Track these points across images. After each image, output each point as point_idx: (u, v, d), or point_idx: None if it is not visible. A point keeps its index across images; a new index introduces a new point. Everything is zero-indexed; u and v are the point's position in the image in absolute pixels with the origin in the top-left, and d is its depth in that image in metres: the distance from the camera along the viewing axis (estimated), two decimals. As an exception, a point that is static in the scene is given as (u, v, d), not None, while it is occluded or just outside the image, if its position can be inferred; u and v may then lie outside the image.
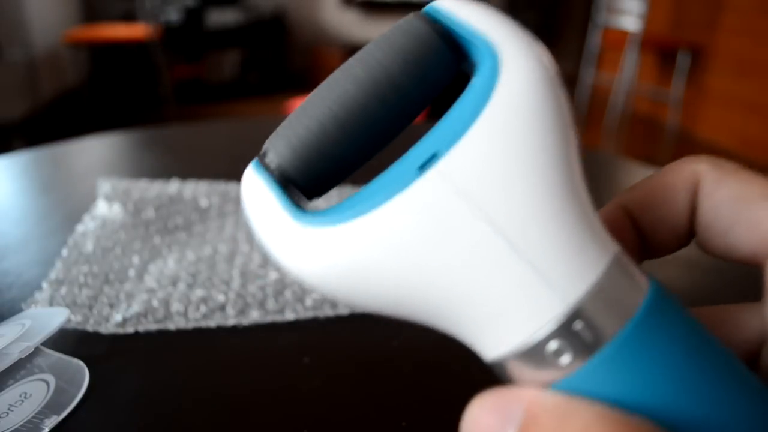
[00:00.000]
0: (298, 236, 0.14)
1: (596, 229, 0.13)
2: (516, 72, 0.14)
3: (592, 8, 2.87)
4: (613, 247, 0.13)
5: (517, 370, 0.13)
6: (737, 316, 0.16)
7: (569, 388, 0.12)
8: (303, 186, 0.16)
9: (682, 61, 2.67)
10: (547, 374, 0.13)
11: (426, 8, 0.16)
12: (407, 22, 0.16)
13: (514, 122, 0.14)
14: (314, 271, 0.14)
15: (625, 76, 2.62)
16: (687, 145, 2.71)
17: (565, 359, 0.12)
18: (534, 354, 0.13)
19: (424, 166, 0.14)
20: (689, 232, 0.16)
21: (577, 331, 0.12)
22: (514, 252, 0.13)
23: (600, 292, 0.13)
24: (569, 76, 3.68)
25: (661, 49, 2.86)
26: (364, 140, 0.16)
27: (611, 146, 2.67)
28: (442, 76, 0.16)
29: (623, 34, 2.60)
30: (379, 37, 0.16)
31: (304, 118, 0.15)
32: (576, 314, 0.12)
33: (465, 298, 0.13)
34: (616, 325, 0.12)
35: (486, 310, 0.13)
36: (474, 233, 0.13)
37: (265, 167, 0.15)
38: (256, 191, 0.15)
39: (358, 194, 0.14)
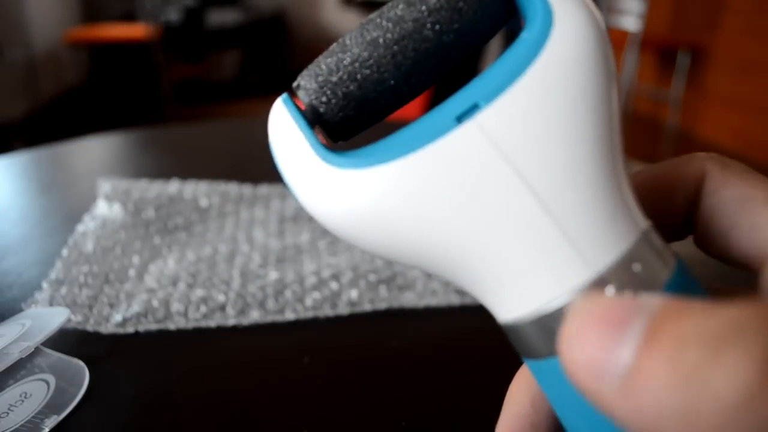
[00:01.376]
0: (326, 176, 0.14)
1: (629, 202, 0.13)
2: (569, 28, 0.13)
3: (592, 8, 2.86)
4: (644, 222, 0.13)
5: (532, 334, 0.13)
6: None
7: None
8: (332, 126, 0.15)
9: (682, 61, 2.67)
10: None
11: None
12: None
13: (562, 81, 0.13)
14: (339, 213, 0.14)
15: (625, 76, 2.62)
16: (687, 145, 2.71)
17: None
18: (551, 321, 0.12)
19: (462, 117, 0.13)
20: (685, 227, 0.16)
21: None
22: (545, 212, 0.12)
23: (627, 266, 0.12)
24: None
25: (661, 49, 2.86)
26: (400, 84, 0.15)
27: (611, 146, 2.67)
28: (488, 27, 0.15)
29: (623, 34, 2.60)
30: None
31: (342, 56, 0.15)
32: (600, 285, 0.12)
33: (489, 254, 0.13)
34: None
35: (508, 268, 0.13)
36: (506, 189, 0.13)
37: (295, 103, 0.15)
38: (284, 127, 0.14)
39: (390, 139, 0.14)
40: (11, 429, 0.26)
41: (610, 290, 0.12)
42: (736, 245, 0.14)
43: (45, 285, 0.37)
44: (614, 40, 2.85)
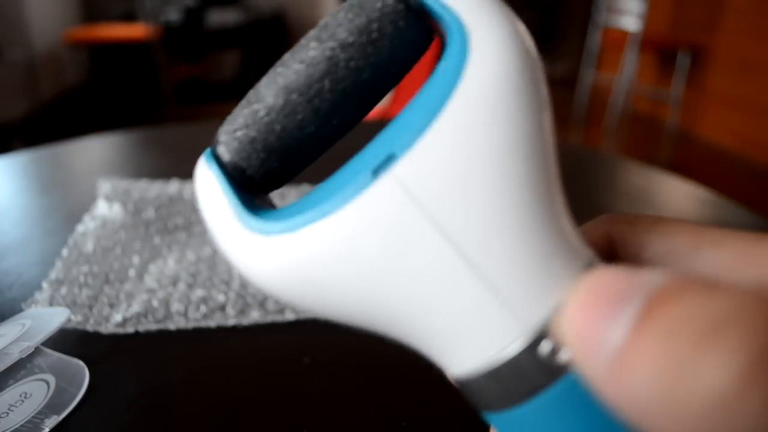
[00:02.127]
0: (248, 242, 0.13)
1: (567, 241, 0.12)
2: (486, 59, 0.12)
3: (592, 8, 2.88)
4: (586, 254, 0.12)
5: (487, 387, 0.12)
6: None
7: (530, 413, 0.11)
8: (257, 180, 0.14)
9: (682, 61, 2.67)
10: (509, 398, 0.12)
11: None
12: None
13: (481, 121, 0.12)
14: (265, 277, 0.13)
15: (625, 76, 2.62)
16: (687, 145, 2.71)
17: (527, 384, 0.11)
18: (503, 371, 0.12)
19: (379, 170, 0.12)
20: None
21: (541, 356, 0.11)
22: (470, 269, 0.12)
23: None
24: (569, 76, 3.68)
25: (661, 49, 2.86)
26: (322, 128, 0.14)
27: (611, 146, 2.67)
28: (410, 52, 0.14)
29: (623, 34, 2.60)
30: (339, 8, 0.14)
31: (258, 106, 0.14)
32: (539, 338, 0.11)
33: (422, 313, 0.12)
34: None
35: (443, 327, 0.12)
36: (429, 247, 0.12)
37: (217, 160, 0.14)
38: (207, 188, 0.14)
39: (311, 196, 0.13)
40: (11, 429, 0.26)
41: (543, 348, 0.11)
42: None
43: (45, 285, 0.37)
44: (614, 40, 2.87)
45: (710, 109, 2.73)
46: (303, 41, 0.14)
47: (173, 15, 3.20)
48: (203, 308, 0.35)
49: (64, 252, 0.40)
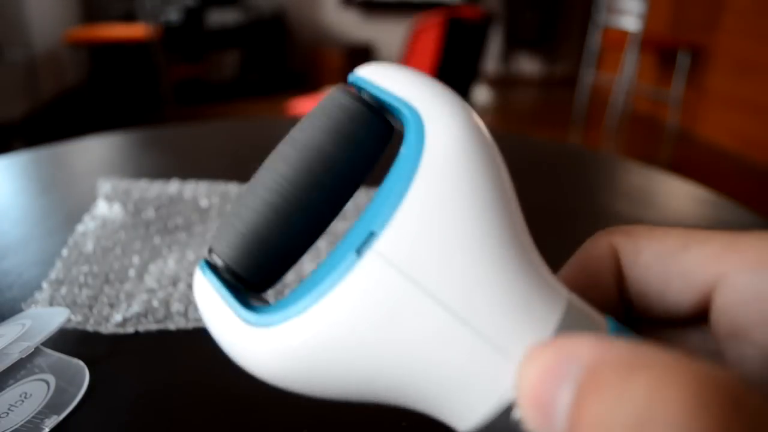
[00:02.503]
0: (250, 338, 0.14)
1: (545, 281, 0.13)
2: (440, 139, 0.14)
3: (592, 8, 2.88)
4: (564, 295, 0.13)
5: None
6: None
7: None
8: (252, 281, 0.16)
9: (682, 61, 2.67)
10: None
11: (350, 77, 0.16)
12: (333, 97, 0.16)
13: (444, 191, 0.13)
14: (269, 368, 0.14)
15: (625, 76, 2.62)
16: (687, 145, 2.71)
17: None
18: (503, 421, 0.12)
19: (362, 248, 0.13)
20: (622, 304, 0.16)
21: None
22: (461, 324, 0.13)
23: None
24: (569, 76, 3.68)
25: (661, 49, 2.86)
26: (306, 224, 0.16)
27: (611, 146, 2.67)
28: (376, 146, 0.16)
29: (623, 34, 2.60)
30: (307, 115, 0.16)
31: (243, 212, 0.16)
32: None
33: (425, 375, 0.13)
34: None
35: (448, 383, 0.13)
36: (420, 310, 0.13)
37: (212, 267, 0.15)
38: (206, 294, 0.15)
39: (304, 284, 0.15)
40: (11, 429, 0.26)
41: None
42: (675, 300, 0.15)
43: (45, 285, 0.37)
44: (614, 40, 2.87)
45: (710, 109, 2.74)
46: (275, 154, 0.16)
47: (173, 15, 3.20)
48: (203, 308, 0.35)
49: (64, 252, 0.40)
